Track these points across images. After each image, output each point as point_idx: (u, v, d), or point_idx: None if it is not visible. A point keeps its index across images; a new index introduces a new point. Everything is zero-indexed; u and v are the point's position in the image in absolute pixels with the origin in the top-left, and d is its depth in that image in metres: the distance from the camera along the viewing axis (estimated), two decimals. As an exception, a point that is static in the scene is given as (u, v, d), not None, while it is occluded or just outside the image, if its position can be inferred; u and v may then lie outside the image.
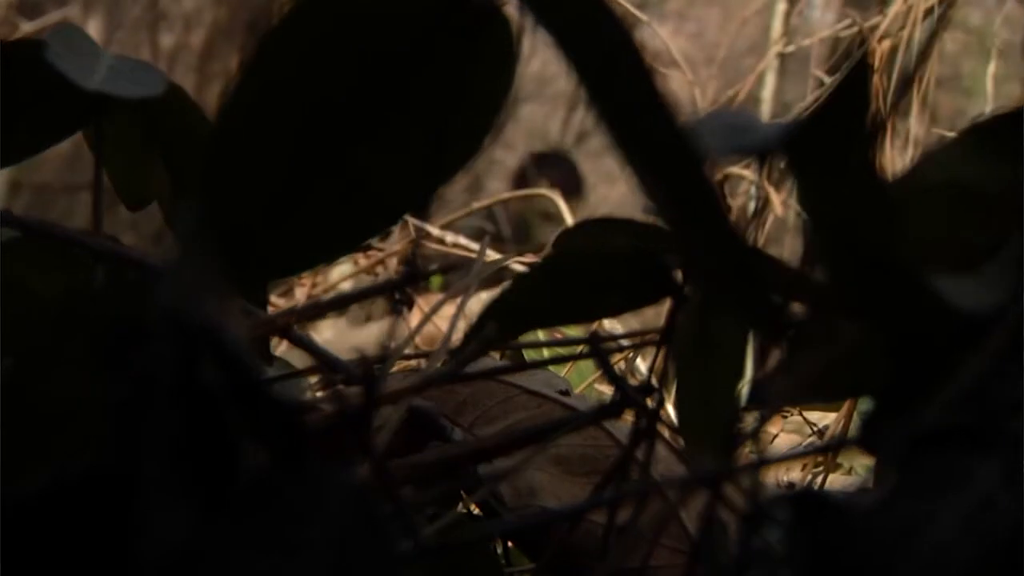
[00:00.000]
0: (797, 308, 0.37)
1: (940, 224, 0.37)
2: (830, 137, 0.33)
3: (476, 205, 1.82)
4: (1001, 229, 0.36)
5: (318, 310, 0.75)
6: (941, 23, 1.76)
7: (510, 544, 0.56)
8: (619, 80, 0.34)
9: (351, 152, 0.37)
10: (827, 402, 0.90)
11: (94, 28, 4.16)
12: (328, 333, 2.35)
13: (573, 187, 4.32)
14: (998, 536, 0.29)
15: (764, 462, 0.39)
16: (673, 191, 0.35)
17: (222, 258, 0.36)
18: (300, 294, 1.63)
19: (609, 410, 0.44)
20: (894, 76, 1.75)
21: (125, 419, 0.30)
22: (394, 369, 0.54)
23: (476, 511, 0.53)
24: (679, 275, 0.44)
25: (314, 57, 0.35)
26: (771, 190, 1.42)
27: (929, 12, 1.71)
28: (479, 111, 0.37)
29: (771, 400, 0.40)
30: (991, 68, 2.02)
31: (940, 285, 0.34)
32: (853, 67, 0.33)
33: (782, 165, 0.35)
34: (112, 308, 0.34)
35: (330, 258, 0.43)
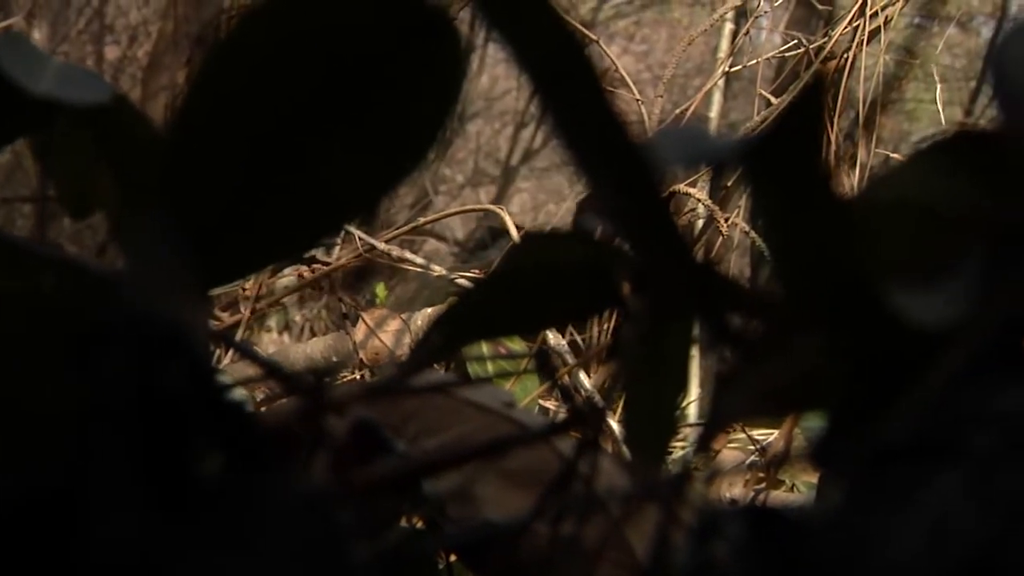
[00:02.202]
0: (751, 323, 0.38)
1: (897, 241, 0.38)
2: (786, 152, 0.34)
3: (422, 220, 1.82)
4: (957, 246, 0.36)
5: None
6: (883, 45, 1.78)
7: (453, 558, 0.56)
8: (575, 95, 0.34)
9: (305, 157, 0.37)
10: (777, 417, 0.90)
11: (38, 40, 4.12)
12: (272, 348, 2.34)
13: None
14: (957, 551, 0.29)
15: (711, 476, 0.39)
16: (627, 205, 0.35)
17: (183, 261, 0.36)
18: (244, 307, 1.62)
19: (561, 427, 0.45)
20: (839, 98, 1.76)
21: (84, 423, 0.30)
22: (339, 382, 0.53)
23: (420, 525, 0.53)
24: (624, 288, 0.44)
25: (268, 65, 0.35)
26: (716, 209, 1.43)
27: (874, 34, 1.73)
28: (429, 119, 0.37)
29: (723, 415, 0.40)
30: (938, 91, 2.05)
31: (898, 301, 0.34)
32: (807, 83, 0.34)
33: (733, 181, 0.35)
34: (68, 312, 0.34)
35: (283, 258, 0.43)
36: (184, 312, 0.34)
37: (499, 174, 5.63)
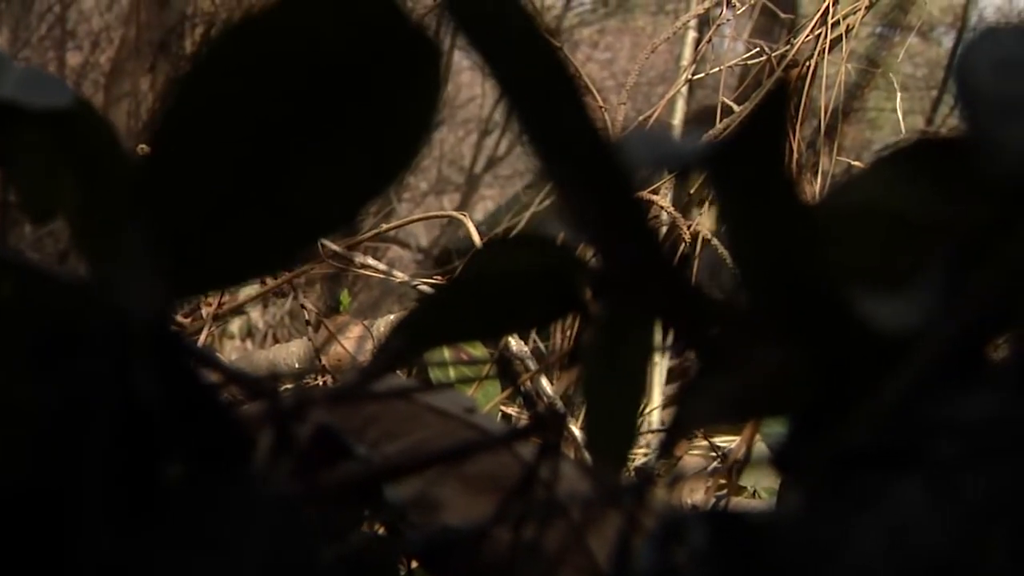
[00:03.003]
0: (715, 329, 0.38)
1: (860, 247, 0.38)
2: (750, 156, 0.34)
3: (385, 227, 1.82)
4: (922, 253, 0.37)
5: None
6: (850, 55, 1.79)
7: (415, 564, 0.56)
8: (548, 99, 0.34)
9: (284, 170, 0.37)
10: (740, 423, 0.91)
11: (-1, 44, 4.09)
12: (234, 354, 2.33)
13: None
14: (916, 556, 0.30)
15: (673, 481, 0.39)
16: (602, 208, 0.35)
17: (157, 270, 0.36)
18: (206, 313, 1.62)
19: (522, 432, 0.45)
20: (802, 106, 1.77)
21: (57, 426, 0.30)
22: (301, 388, 0.53)
23: (381, 531, 0.53)
24: (586, 293, 0.44)
25: (248, 79, 0.35)
26: (679, 216, 1.43)
27: (836, 43, 1.74)
28: (407, 133, 0.37)
29: (686, 421, 0.40)
30: (898, 100, 2.06)
31: (863, 306, 0.34)
32: (771, 88, 0.34)
33: (697, 187, 0.36)
34: (35, 317, 0.34)
35: (260, 271, 0.43)
36: (157, 317, 0.34)
37: (463, 181, 5.63)
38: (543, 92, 0.34)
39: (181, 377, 0.33)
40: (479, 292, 0.44)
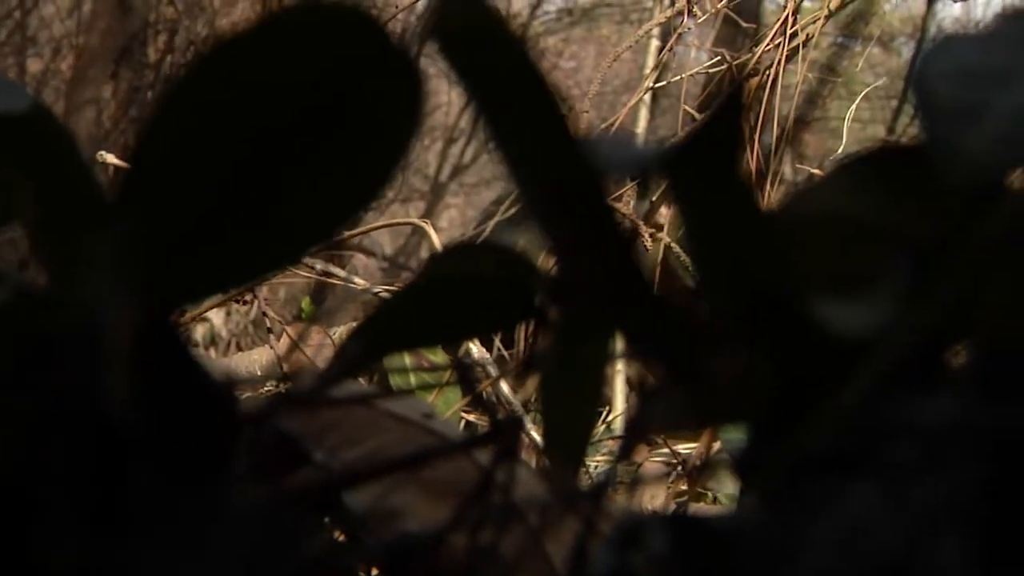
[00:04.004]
0: (675, 335, 0.38)
1: (819, 253, 0.38)
2: (706, 159, 0.34)
3: (347, 234, 1.82)
4: (881, 259, 0.37)
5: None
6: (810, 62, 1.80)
7: (375, 571, 0.56)
8: (532, 120, 0.34)
9: (265, 187, 0.37)
10: (700, 429, 0.91)
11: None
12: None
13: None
14: (870, 560, 0.30)
15: (632, 486, 0.39)
16: (573, 218, 0.35)
17: (136, 277, 0.36)
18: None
19: (481, 439, 0.45)
20: (762, 115, 1.78)
21: (32, 434, 0.30)
22: (262, 395, 0.53)
23: (340, 537, 0.53)
24: (542, 300, 0.44)
25: (231, 97, 0.36)
26: (640, 224, 1.44)
27: (794, 52, 1.75)
28: (387, 153, 0.38)
29: (645, 426, 0.40)
30: (852, 111, 2.08)
31: (821, 312, 0.35)
32: (728, 92, 0.34)
33: (658, 195, 0.36)
34: (11, 324, 0.34)
35: (239, 285, 0.43)
36: (131, 325, 0.34)
37: (428, 190, 5.63)
38: (528, 114, 0.35)
39: (160, 383, 0.33)
40: (435, 298, 0.44)
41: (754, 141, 1.71)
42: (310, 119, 0.36)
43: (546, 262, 0.43)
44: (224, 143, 0.36)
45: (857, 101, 2.11)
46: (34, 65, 4.78)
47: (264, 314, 1.50)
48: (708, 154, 0.34)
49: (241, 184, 0.37)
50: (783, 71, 1.70)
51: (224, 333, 2.78)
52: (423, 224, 1.50)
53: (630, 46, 1.86)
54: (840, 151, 2.14)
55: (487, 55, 0.35)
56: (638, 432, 0.40)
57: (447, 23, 0.35)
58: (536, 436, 0.86)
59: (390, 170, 0.38)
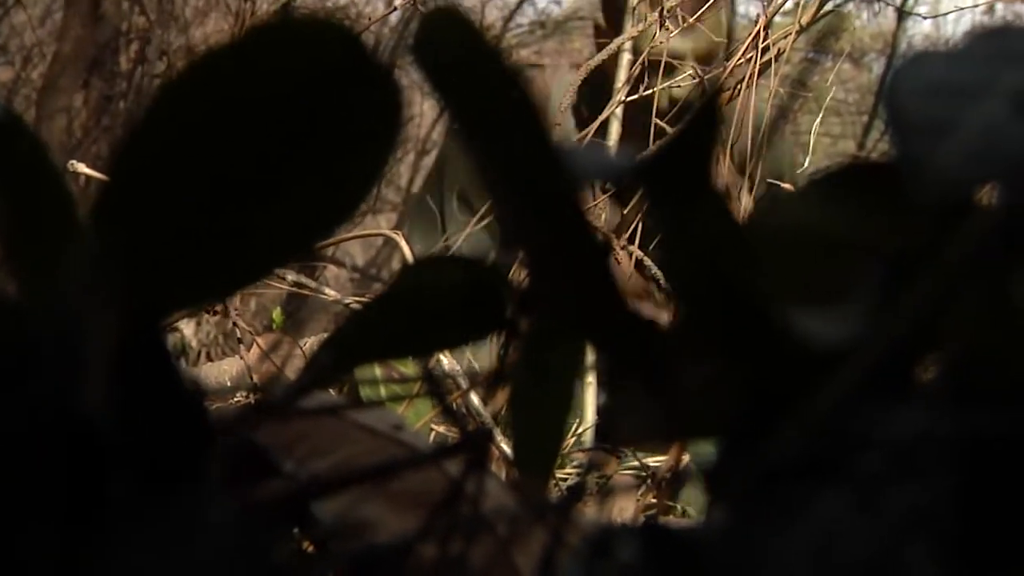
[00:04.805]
0: (645, 346, 0.38)
1: (790, 264, 0.38)
2: (680, 167, 0.34)
3: (319, 245, 1.81)
4: (852, 272, 0.37)
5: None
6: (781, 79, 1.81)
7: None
8: (498, 116, 0.34)
9: (243, 202, 0.37)
10: (671, 441, 0.91)
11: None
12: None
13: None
14: (841, 567, 0.30)
15: (602, 497, 0.39)
16: (546, 229, 0.36)
17: (112, 287, 0.36)
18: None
19: (450, 450, 0.45)
20: (732, 129, 1.79)
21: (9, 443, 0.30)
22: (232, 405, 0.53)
23: (309, 548, 0.53)
24: (513, 310, 0.44)
25: (209, 112, 0.36)
26: (612, 236, 1.44)
27: (766, 67, 1.76)
28: (365, 167, 0.38)
29: (615, 438, 0.40)
30: (816, 123, 2.09)
31: (794, 322, 0.35)
32: (700, 107, 0.35)
33: (630, 208, 0.36)
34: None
35: (214, 298, 0.44)
36: (107, 336, 0.34)
37: (400, 201, 5.62)
38: (508, 126, 0.35)
39: (133, 393, 0.33)
40: (406, 309, 0.44)
41: (727, 154, 1.72)
42: (289, 132, 0.37)
43: (517, 273, 0.43)
44: (202, 156, 0.36)
45: (820, 115, 2.12)
46: (4, 73, 4.76)
47: (235, 324, 1.49)
48: (682, 165, 0.34)
49: (219, 197, 0.37)
50: (755, 85, 1.71)
51: (194, 343, 2.77)
52: (395, 235, 1.50)
53: (602, 59, 1.86)
54: (807, 165, 2.14)
55: (468, 68, 0.35)
56: (607, 444, 0.40)
57: (427, 36, 0.36)
58: (506, 448, 0.86)
59: (369, 183, 0.38)
